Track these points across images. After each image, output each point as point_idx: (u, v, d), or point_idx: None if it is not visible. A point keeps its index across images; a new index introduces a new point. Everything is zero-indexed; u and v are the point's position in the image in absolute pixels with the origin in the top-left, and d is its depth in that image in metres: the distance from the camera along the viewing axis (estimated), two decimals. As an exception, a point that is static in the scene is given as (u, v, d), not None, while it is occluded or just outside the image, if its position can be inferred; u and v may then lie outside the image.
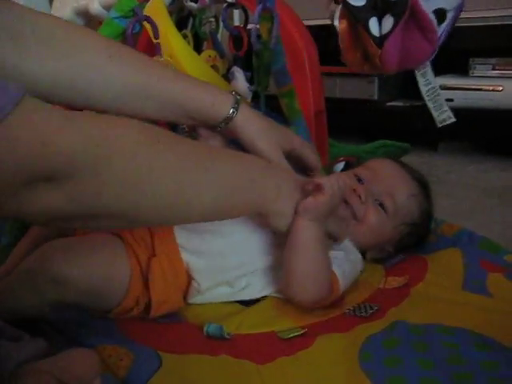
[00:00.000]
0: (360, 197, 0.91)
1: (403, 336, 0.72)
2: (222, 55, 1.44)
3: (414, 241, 0.98)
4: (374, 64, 0.85)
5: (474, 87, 1.81)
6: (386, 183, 0.94)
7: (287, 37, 1.21)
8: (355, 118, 2.09)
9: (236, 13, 1.71)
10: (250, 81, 1.33)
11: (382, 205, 0.92)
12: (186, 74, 0.93)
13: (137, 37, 1.50)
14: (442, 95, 0.91)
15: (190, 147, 0.65)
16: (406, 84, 2.03)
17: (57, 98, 0.74)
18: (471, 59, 1.86)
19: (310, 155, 0.88)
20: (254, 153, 0.80)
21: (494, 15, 1.78)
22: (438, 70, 1.87)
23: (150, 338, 0.74)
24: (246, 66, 1.35)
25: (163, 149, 0.60)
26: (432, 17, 0.81)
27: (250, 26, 1.18)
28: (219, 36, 1.49)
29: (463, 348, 0.69)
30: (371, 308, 0.79)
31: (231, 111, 0.79)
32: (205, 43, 1.48)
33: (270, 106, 1.24)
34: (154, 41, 0.97)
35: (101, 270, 0.75)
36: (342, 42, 0.86)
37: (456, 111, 1.81)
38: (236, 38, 1.36)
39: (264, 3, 1.06)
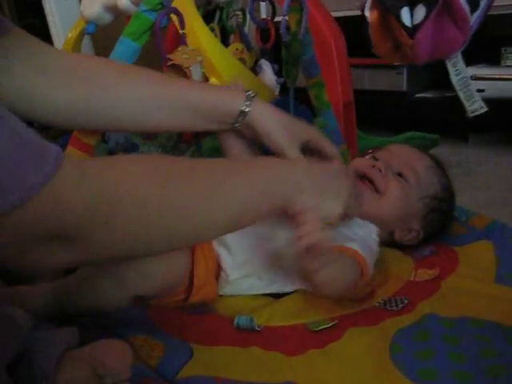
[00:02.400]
0: (380, 170, 0.92)
1: (434, 329, 0.72)
2: (249, 48, 1.43)
3: (440, 220, 0.97)
4: (406, 54, 0.84)
5: (505, 77, 1.77)
6: (403, 158, 0.96)
7: (315, 28, 1.21)
8: (384, 110, 2.07)
9: (263, 5, 1.71)
10: (278, 73, 1.33)
11: (401, 175, 0.93)
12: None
13: (164, 30, 1.51)
14: (472, 85, 0.89)
15: (201, 173, 0.64)
16: (435, 75, 2.01)
17: (76, 123, 0.80)
18: (503, 48, 1.83)
19: (327, 145, 0.88)
20: (271, 145, 0.81)
21: (526, 3, 1.74)
22: (469, 60, 1.85)
23: (181, 329, 0.75)
24: (274, 59, 1.35)
25: (175, 191, 0.59)
26: (465, 5, 0.80)
27: (277, 19, 1.18)
28: (246, 29, 1.49)
29: (495, 341, 0.68)
30: (402, 301, 0.79)
31: (244, 107, 0.80)
32: (232, 36, 1.48)
33: (298, 98, 1.24)
34: (180, 31, 0.98)
35: (173, 265, 0.77)
36: (372, 33, 0.85)
37: (487, 102, 1.79)
38: (263, 30, 1.36)
39: (292, -6, 1.06)
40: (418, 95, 2.02)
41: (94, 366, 0.57)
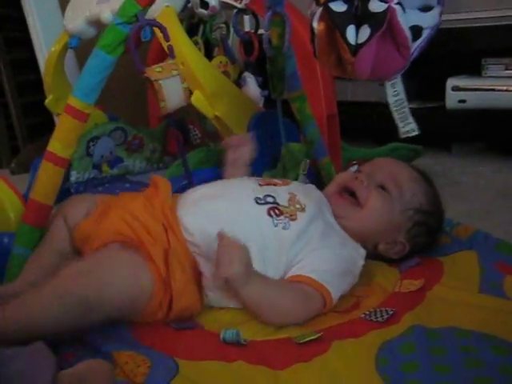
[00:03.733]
0: (362, 182, 0.93)
1: (420, 340, 0.72)
2: (233, 61, 1.44)
3: (426, 234, 0.96)
4: (347, 70, 0.86)
5: (486, 88, 1.79)
6: (386, 171, 0.96)
7: (298, 41, 1.21)
8: (367, 122, 2.08)
9: (246, 18, 1.72)
10: (262, 86, 1.33)
11: (384, 188, 0.93)
12: None
13: (148, 45, 1.52)
14: (408, 107, 0.92)
15: None
16: (418, 86, 2.03)
17: None
18: (484, 60, 1.84)
19: None
20: None
21: (505, 14, 1.77)
22: (451, 71, 1.88)
23: (167, 344, 0.74)
24: (258, 72, 1.35)
25: None
26: (408, 33, 0.83)
27: (261, 31, 1.19)
28: (230, 42, 1.49)
29: (481, 352, 0.69)
30: (387, 313, 0.79)
31: None
32: (216, 49, 1.49)
33: (282, 110, 1.24)
34: (166, 44, 0.98)
35: (127, 286, 0.76)
36: (317, 44, 0.87)
37: (469, 112, 1.82)
38: (247, 43, 1.37)
39: (274, 8, 1.06)
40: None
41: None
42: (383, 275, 0.92)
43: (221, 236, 0.79)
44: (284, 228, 0.85)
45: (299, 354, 0.70)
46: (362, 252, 0.91)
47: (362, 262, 0.90)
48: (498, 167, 1.76)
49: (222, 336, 0.74)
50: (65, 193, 1.21)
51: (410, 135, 0.93)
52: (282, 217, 0.85)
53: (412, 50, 0.85)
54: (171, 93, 0.98)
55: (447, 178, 1.64)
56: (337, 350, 0.71)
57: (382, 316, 0.78)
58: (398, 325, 0.76)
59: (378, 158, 1.05)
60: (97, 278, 0.74)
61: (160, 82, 0.96)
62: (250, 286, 0.78)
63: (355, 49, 0.83)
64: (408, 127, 0.92)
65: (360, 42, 0.82)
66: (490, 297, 0.83)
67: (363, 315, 0.79)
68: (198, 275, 0.83)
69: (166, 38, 0.99)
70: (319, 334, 0.74)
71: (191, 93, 1.17)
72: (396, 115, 0.92)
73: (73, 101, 0.93)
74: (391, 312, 0.79)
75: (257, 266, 0.80)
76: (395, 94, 0.91)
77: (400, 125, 0.92)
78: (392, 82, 0.89)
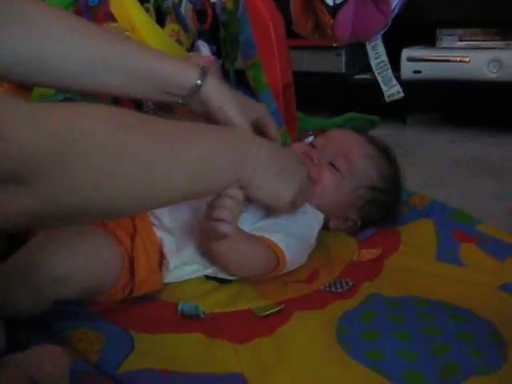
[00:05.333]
0: (312, 159, 0.91)
1: (379, 309, 0.72)
2: (185, 29, 1.40)
3: (379, 211, 0.96)
4: (326, 34, 0.84)
5: (441, 58, 1.80)
6: (340, 146, 0.94)
7: (253, 9, 1.18)
8: (323, 92, 2.08)
9: (199, -15, 1.67)
10: (216, 54, 1.30)
11: (334, 166, 0.92)
12: (150, 46, 0.90)
13: (96, 10, 1.46)
14: (390, 69, 0.90)
15: (160, 129, 0.62)
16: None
17: (17, 76, 0.71)
18: (438, 30, 1.86)
19: (272, 126, 0.89)
20: (223, 120, 0.79)
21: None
22: (405, 42, 1.89)
23: (122, 318, 0.72)
24: (211, 40, 1.32)
25: (133, 135, 0.57)
26: None
27: (213, -1, 1.15)
28: (182, 9, 1.45)
29: (439, 319, 0.69)
30: (347, 284, 0.79)
31: (198, 80, 0.77)
32: (168, 17, 1.44)
33: (237, 80, 1.22)
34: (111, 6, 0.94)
35: (98, 263, 0.73)
36: (294, 11, 0.85)
37: (423, 83, 1.83)
38: (200, 11, 1.33)
39: (228, -27, 1.03)
40: (356, 77, 2.03)
41: (30, 372, 0.53)
42: (341, 245, 0.92)
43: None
44: None
45: (260, 326, 0.69)
46: (320, 217, 0.90)
47: (318, 228, 0.89)
48: (453, 137, 1.79)
49: (180, 308, 0.73)
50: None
51: (395, 98, 0.92)
52: None
53: (392, 7, 0.82)
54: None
55: (402, 148, 1.64)
56: (298, 322, 0.70)
57: (342, 287, 0.78)
58: (357, 295, 0.76)
59: (334, 131, 1.03)
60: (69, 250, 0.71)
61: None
62: (230, 240, 0.75)
63: (334, 10, 0.80)
64: (392, 90, 0.91)
65: (338, 2, 0.80)
66: (446, 264, 0.85)
67: (323, 287, 0.79)
68: (161, 258, 0.81)
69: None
70: (280, 307, 0.73)
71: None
72: (379, 78, 0.91)
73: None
74: (351, 283, 0.79)
75: None
76: (376, 56, 0.89)
77: (384, 88, 0.91)
78: (373, 43, 0.88)
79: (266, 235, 0.80)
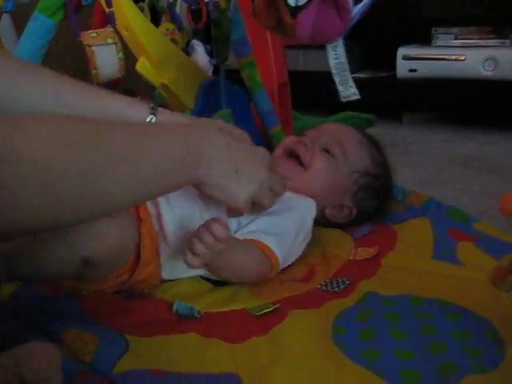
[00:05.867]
0: (305, 144, 0.93)
1: (375, 308, 0.72)
2: (180, 28, 1.40)
3: (373, 197, 0.96)
4: (286, 32, 0.84)
5: (436, 57, 1.80)
6: (332, 134, 0.96)
7: (248, 7, 1.18)
8: (319, 91, 2.07)
9: (194, -16, 1.66)
10: (211, 54, 1.30)
11: (328, 151, 0.93)
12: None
13: (91, 9, 1.45)
14: (348, 71, 0.91)
15: (111, 138, 0.60)
16: (369, 56, 2.02)
17: None
18: (434, 29, 1.86)
19: (234, 129, 0.86)
20: None
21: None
22: (401, 41, 1.88)
23: (116, 319, 0.71)
24: (206, 39, 1.31)
25: (79, 151, 0.55)
26: None
27: (208, -2, 1.15)
28: (177, 9, 1.44)
29: (436, 318, 0.69)
30: (343, 283, 0.78)
31: (150, 116, 0.77)
32: (163, 16, 1.44)
33: (233, 79, 1.21)
34: (107, 10, 0.93)
35: (126, 230, 0.72)
36: (257, 4, 0.85)
37: (419, 81, 1.83)
38: (195, 10, 1.33)
39: (221, -28, 1.03)
40: (352, 75, 2.03)
41: (18, 370, 0.52)
42: (337, 243, 0.92)
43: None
44: None
45: (255, 325, 0.69)
46: (313, 207, 0.90)
47: (311, 218, 0.89)
48: (449, 136, 1.79)
49: (174, 308, 0.72)
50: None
51: (351, 99, 0.92)
52: None
53: (353, 14, 0.83)
54: (104, 62, 0.94)
55: (398, 147, 1.65)
56: (293, 320, 0.70)
57: (338, 286, 0.78)
58: (353, 294, 0.76)
59: (325, 123, 1.05)
60: None
61: (93, 48, 0.92)
62: (225, 254, 0.74)
63: (295, 11, 0.80)
64: (348, 91, 0.91)
65: (300, 4, 0.80)
66: (443, 263, 0.84)
67: (319, 286, 0.79)
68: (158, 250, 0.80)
69: (108, 5, 0.94)
70: (276, 306, 0.73)
71: (123, 64, 1.11)
72: (337, 78, 0.91)
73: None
74: (348, 282, 0.78)
75: None
76: (336, 57, 0.89)
77: (340, 88, 0.91)
78: (333, 44, 0.88)
79: (257, 238, 0.80)
